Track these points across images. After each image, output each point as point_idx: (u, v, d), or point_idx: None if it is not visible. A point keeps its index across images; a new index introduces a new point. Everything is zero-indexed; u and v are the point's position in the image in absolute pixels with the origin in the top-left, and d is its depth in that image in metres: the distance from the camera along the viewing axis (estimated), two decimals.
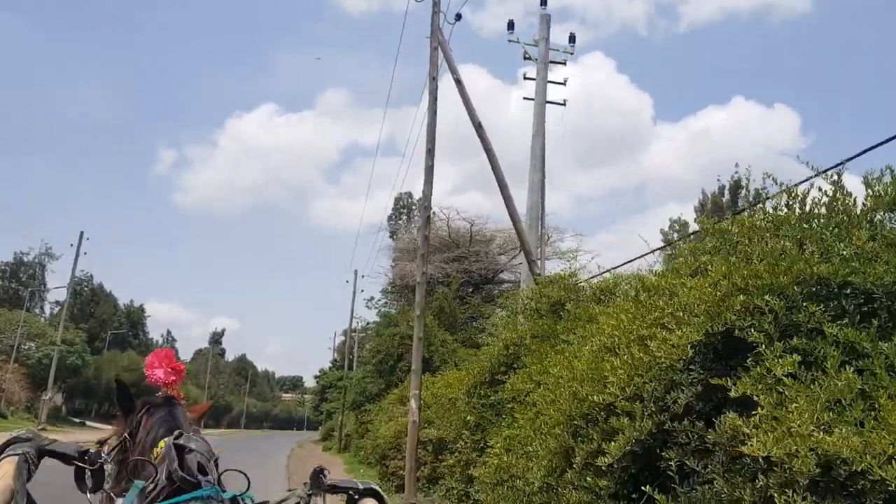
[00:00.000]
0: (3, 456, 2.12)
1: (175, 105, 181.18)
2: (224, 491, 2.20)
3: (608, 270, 11.25)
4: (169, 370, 2.68)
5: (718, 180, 48.23)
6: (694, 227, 49.23)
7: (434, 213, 36.60)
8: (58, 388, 53.43)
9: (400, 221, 58.09)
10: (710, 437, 4.62)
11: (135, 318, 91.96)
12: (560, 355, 7.54)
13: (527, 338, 10.57)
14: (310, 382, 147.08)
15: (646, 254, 11.60)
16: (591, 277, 11.22)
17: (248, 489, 2.27)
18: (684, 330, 4.86)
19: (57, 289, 48.43)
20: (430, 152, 13.17)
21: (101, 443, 2.56)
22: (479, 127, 12.90)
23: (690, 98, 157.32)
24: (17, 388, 44.31)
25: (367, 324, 36.10)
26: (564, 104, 15.52)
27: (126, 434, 2.49)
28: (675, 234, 49.87)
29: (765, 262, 5.09)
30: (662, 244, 45.81)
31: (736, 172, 49.04)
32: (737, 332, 4.78)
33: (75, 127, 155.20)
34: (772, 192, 6.09)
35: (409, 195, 59.35)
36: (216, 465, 2.31)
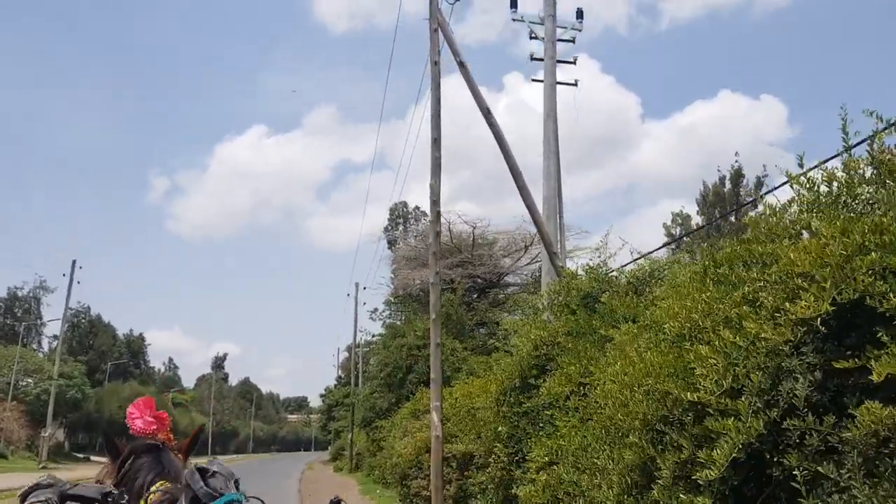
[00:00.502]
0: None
1: (164, 132, 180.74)
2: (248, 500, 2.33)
3: (642, 256, 10.22)
4: (149, 419, 2.71)
5: (719, 170, 47.33)
6: (697, 219, 48.01)
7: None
8: (59, 424, 52.17)
9: (396, 232, 57.14)
10: (845, 434, 3.60)
11: (135, 347, 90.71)
12: (617, 350, 6.46)
13: (559, 336, 9.52)
14: (315, 402, 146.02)
15: (665, 244, 10.73)
16: (624, 266, 10.18)
17: None
18: (802, 302, 3.82)
19: (52, 321, 47.18)
20: (437, 142, 12.15)
21: (98, 483, 2.59)
22: (487, 113, 11.89)
23: (677, 94, 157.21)
24: (16, 426, 43.09)
25: (373, 336, 35.07)
26: (576, 84, 14.53)
27: (116, 479, 2.56)
28: (679, 229, 48.89)
29: (891, 214, 4.06)
30: (666, 239, 44.23)
31: (736, 161, 48.15)
32: (868, 300, 3.75)
33: (66, 159, 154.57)
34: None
35: (404, 204, 58.47)
36: (237, 486, 2.39)
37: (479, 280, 34.31)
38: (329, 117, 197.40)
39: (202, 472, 2.34)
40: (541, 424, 8.92)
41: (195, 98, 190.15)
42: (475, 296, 32.98)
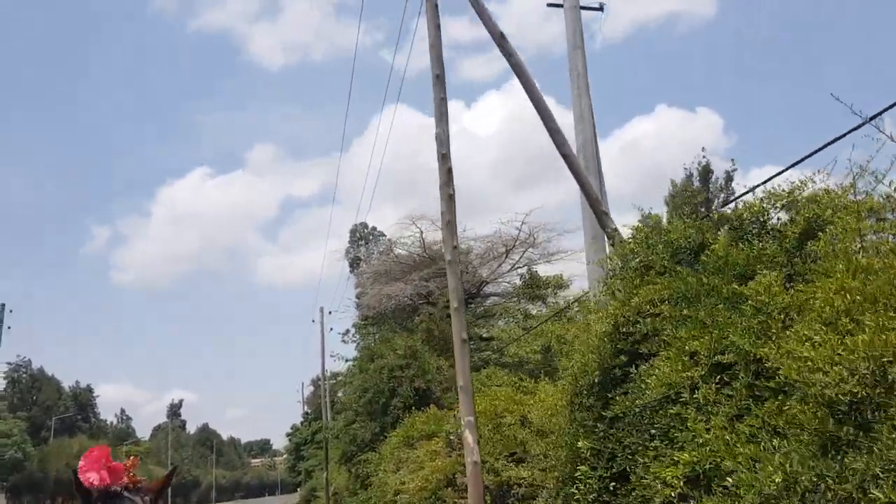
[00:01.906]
0: None
1: (102, 179, 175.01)
2: None
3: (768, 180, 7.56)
4: (104, 472, 2.58)
5: (685, 168, 45.91)
6: (666, 220, 46.42)
7: (398, 233, 32.77)
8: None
9: (359, 254, 54.13)
10: None
11: (83, 400, 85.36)
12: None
13: (654, 304, 6.74)
14: (278, 443, 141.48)
15: None
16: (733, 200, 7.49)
17: None
18: None
19: None
20: (440, 79, 9.42)
21: None
22: (501, 38, 9.19)
23: (616, 112, 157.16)
24: None
25: (346, 361, 31.86)
26: (601, 9, 11.93)
27: None
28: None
29: None
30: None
31: (704, 157, 46.72)
32: None
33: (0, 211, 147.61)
34: None
35: (364, 225, 55.50)
36: None
37: (463, 290, 31.40)
38: (270, 155, 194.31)
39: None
40: (652, 431, 6.10)
41: (133, 143, 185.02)
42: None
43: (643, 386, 6.31)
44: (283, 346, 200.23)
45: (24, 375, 74.77)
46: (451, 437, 12.92)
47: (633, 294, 7.28)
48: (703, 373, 5.75)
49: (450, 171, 9.45)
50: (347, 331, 36.99)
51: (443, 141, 9.45)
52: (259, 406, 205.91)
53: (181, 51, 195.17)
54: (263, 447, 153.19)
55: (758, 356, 5.43)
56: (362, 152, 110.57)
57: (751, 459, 4.90)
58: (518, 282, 29.69)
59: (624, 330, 7.03)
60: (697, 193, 45.35)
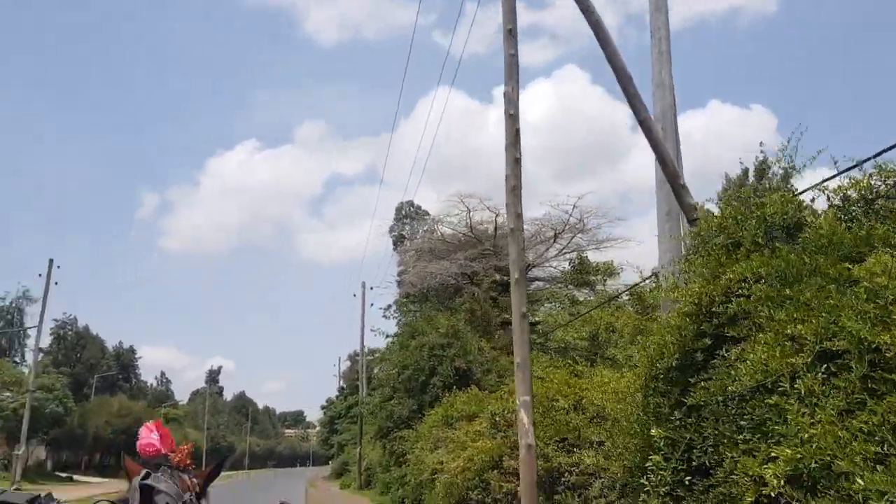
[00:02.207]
0: None
1: (155, 148, 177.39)
2: None
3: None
4: (156, 437, 2.75)
5: (741, 163, 44.43)
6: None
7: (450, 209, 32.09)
8: (39, 441, 48.28)
9: (403, 232, 53.66)
10: None
11: (125, 360, 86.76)
12: None
13: (750, 284, 6.05)
14: (312, 416, 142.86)
15: None
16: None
17: None
18: None
19: (32, 328, 43.30)
20: (512, 34, 8.81)
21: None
22: None
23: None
24: None
25: (387, 337, 31.49)
26: None
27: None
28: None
29: None
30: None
31: (762, 152, 45.17)
32: None
33: (56, 177, 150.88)
34: None
35: (410, 203, 54.99)
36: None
37: (504, 275, 30.76)
38: (319, 132, 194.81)
39: (146, 489, 2.30)
40: (741, 423, 5.44)
41: (186, 114, 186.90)
42: (499, 291, 29.42)
43: (733, 372, 5.66)
44: (322, 322, 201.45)
45: (70, 333, 76.11)
46: (497, 419, 12.37)
47: (719, 272, 6.60)
48: (808, 360, 5.09)
49: (517, 132, 8.82)
50: (389, 306, 36.58)
51: (511, 100, 8.81)
52: (295, 378, 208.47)
53: (239, 23, 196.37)
54: (297, 418, 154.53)
55: (875, 345, 4.75)
56: (409, 134, 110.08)
57: (871, 461, 4.25)
58: (566, 266, 28.93)
59: (709, 311, 6.37)
60: (753, 190, 43.90)
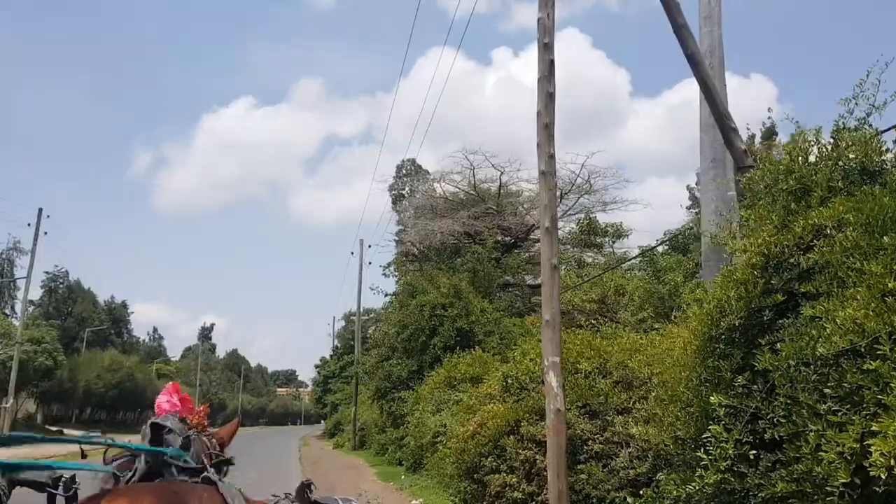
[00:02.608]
0: None
1: (149, 104, 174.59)
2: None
3: None
4: (174, 401, 2.77)
5: (748, 129, 43.58)
6: None
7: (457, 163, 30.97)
8: (29, 394, 47.67)
9: (403, 191, 52.67)
10: None
11: (117, 314, 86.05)
12: None
13: (831, 233, 5.24)
14: (304, 376, 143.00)
15: None
16: None
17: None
18: None
19: (20, 279, 42.35)
20: None
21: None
22: None
23: (667, 72, 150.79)
24: None
25: (386, 296, 30.71)
26: None
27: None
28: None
29: None
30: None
31: (769, 118, 44.34)
32: None
33: (48, 129, 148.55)
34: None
35: (412, 161, 53.92)
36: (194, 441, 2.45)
37: (507, 235, 29.94)
38: (315, 90, 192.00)
39: (157, 427, 2.38)
40: (826, 391, 4.67)
41: (181, 69, 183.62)
42: (501, 253, 28.63)
43: (814, 332, 4.87)
44: (317, 281, 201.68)
45: (62, 286, 75.25)
46: (509, 381, 11.62)
47: (789, 221, 5.77)
48: None
49: (552, 63, 7.91)
50: (389, 264, 35.79)
51: (547, 28, 7.90)
52: (288, 338, 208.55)
53: None
54: (289, 377, 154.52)
55: None
56: (407, 94, 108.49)
57: None
58: (573, 227, 28.12)
59: (779, 263, 5.56)
60: (760, 155, 42.93)
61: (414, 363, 23.29)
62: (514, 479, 9.06)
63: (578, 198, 29.54)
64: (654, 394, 6.84)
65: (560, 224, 30.46)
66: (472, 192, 30.40)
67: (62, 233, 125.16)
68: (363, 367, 32.53)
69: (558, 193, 29.17)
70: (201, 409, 2.79)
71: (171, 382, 2.99)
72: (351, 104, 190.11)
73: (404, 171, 54.38)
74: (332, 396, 55.85)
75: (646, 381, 8.36)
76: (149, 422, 2.43)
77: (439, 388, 18.29)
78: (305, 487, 2.65)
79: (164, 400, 2.75)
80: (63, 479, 2.26)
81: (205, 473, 2.23)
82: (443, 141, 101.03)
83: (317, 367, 68.42)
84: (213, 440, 2.61)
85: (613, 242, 23.71)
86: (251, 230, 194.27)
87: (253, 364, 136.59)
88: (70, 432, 47.27)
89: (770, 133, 43.20)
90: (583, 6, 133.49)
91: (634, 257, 19.68)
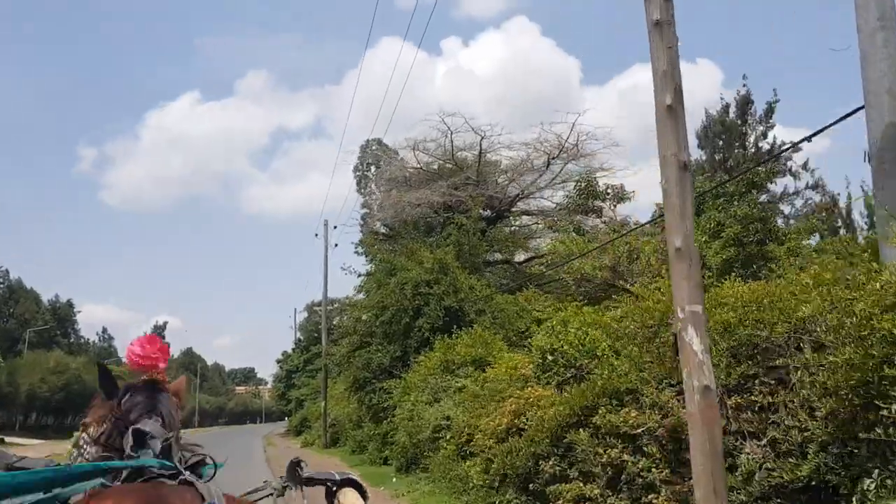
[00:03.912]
0: None
1: (91, 101, 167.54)
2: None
3: None
4: (151, 351, 2.57)
5: (722, 99, 41.74)
6: (697, 154, 42.35)
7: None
8: None
9: (368, 173, 49.55)
10: None
11: (62, 314, 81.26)
12: None
13: None
14: (264, 373, 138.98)
15: None
16: None
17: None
18: None
19: None
20: None
21: (85, 426, 2.52)
22: None
23: (616, 58, 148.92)
24: None
25: (359, 276, 27.82)
26: None
27: (111, 417, 2.47)
28: None
29: None
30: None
31: (744, 85, 42.49)
32: None
33: None
34: None
35: (378, 141, 50.75)
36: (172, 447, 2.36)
37: (489, 208, 27.20)
38: (263, 82, 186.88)
39: (139, 434, 2.28)
40: None
41: (122, 64, 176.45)
42: (485, 226, 25.90)
43: None
44: (274, 276, 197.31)
45: (2, 285, 70.62)
46: (548, 357, 8.98)
47: None
48: None
49: None
50: (361, 241, 32.84)
51: None
52: (246, 335, 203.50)
53: None
54: (248, 375, 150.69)
55: None
56: (358, 86, 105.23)
57: None
58: (563, 196, 25.60)
59: None
60: (734, 125, 41.15)
61: (397, 348, 20.52)
62: (595, 491, 6.38)
63: (565, 164, 26.99)
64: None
65: (548, 192, 27.91)
66: (449, 161, 27.61)
67: (8, 231, 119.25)
68: (333, 358, 29.51)
69: (545, 159, 26.64)
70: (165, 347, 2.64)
71: (146, 334, 2.74)
72: (299, 97, 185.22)
73: (369, 151, 51.23)
74: (296, 392, 52.67)
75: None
76: (131, 428, 2.26)
77: (434, 373, 15.61)
78: (296, 465, 2.44)
79: (138, 350, 2.54)
80: (26, 459, 2.21)
81: (181, 476, 2.14)
82: (396, 131, 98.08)
83: (278, 361, 64.93)
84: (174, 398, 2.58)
85: (614, 206, 21.26)
86: (203, 226, 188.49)
87: (210, 363, 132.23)
88: (14, 440, 43.44)
89: (746, 102, 41.28)
90: None
91: (660, 216, 17.18)
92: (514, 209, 28.50)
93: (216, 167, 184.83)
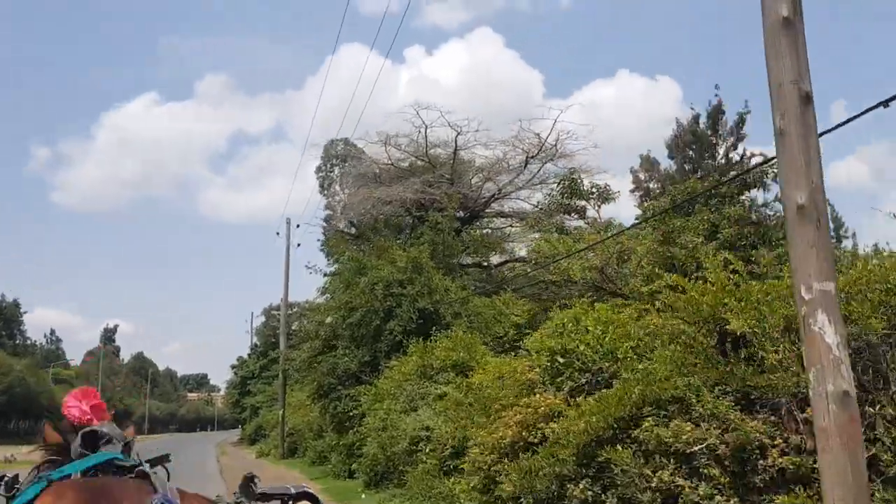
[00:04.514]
0: None
1: (45, 100, 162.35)
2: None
3: None
4: (85, 408, 2.45)
5: (692, 109, 41.27)
6: (667, 163, 41.72)
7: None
8: None
9: (332, 173, 47.89)
10: None
11: (8, 314, 77.92)
12: None
13: None
14: (217, 379, 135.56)
15: None
16: None
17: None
18: None
19: None
20: None
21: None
22: None
23: (578, 73, 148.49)
24: None
25: (325, 275, 26.25)
26: None
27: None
28: (645, 174, 42.67)
29: None
30: (633, 185, 36.68)
31: (716, 95, 42.09)
32: None
33: None
34: None
35: (345, 141, 49.13)
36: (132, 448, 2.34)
37: (471, 202, 25.92)
38: (221, 86, 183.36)
39: (93, 436, 2.22)
40: None
41: (80, 64, 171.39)
42: (458, 225, 24.63)
43: None
44: (229, 282, 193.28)
45: None
46: (558, 360, 7.72)
47: None
48: None
49: None
50: (326, 241, 31.29)
51: None
52: (199, 341, 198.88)
53: None
54: (201, 381, 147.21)
55: None
56: (317, 90, 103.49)
57: None
58: (541, 197, 24.49)
59: None
60: (704, 135, 40.63)
61: (366, 353, 19.10)
62: None
63: (543, 165, 25.92)
64: None
65: (525, 193, 26.75)
66: (422, 157, 26.30)
67: None
68: (293, 363, 27.88)
69: (523, 157, 25.52)
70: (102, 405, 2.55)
71: (83, 387, 2.67)
72: (259, 101, 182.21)
73: (334, 153, 49.57)
74: (251, 399, 50.62)
75: None
76: (80, 432, 2.22)
77: (410, 379, 14.25)
78: (249, 481, 2.37)
79: (74, 405, 2.41)
80: (6, 478, 2.21)
81: (139, 468, 2.08)
82: (361, 136, 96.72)
83: (233, 367, 62.56)
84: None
85: (599, 206, 20.18)
86: (159, 230, 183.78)
87: (161, 368, 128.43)
88: None
89: (718, 111, 40.68)
90: (494, 5, 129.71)
91: (654, 215, 16.15)
92: (488, 210, 27.32)
93: (173, 170, 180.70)
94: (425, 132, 25.12)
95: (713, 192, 17.12)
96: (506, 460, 7.16)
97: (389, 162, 26.82)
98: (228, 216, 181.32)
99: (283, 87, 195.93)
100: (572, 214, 20.58)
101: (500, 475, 7.17)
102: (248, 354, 59.48)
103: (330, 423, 20.92)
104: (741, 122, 39.23)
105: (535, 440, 6.98)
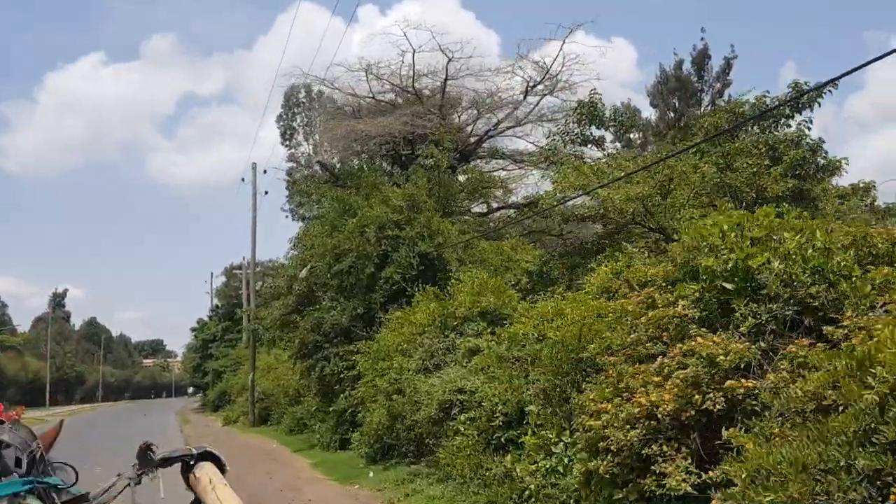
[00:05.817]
0: None
1: None
2: (40, 481, 2.09)
3: None
4: None
5: (676, 54, 38.88)
6: (648, 112, 38.90)
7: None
8: None
9: (294, 123, 44.38)
10: None
11: None
12: None
13: None
14: (174, 345, 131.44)
15: None
16: None
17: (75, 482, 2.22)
18: None
19: None
20: None
21: None
22: None
23: (534, 34, 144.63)
24: None
25: (304, 219, 23.29)
26: None
27: None
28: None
29: None
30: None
31: (702, 39, 39.63)
32: None
33: None
34: None
35: (308, 87, 45.50)
36: (40, 456, 2.20)
37: (455, 148, 23.14)
38: (169, 46, 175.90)
39: None
40: None
41: (20, 23, 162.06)
42: (455, 163, 21.86)
43: None
44: (181, 246, 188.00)
45: None
46: (725, 287, 5.10)
47: None
48: None
49: None
50: (296, 187, 28.25)
51: None
52: (153, 306, 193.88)
53: None
54: (156, 347, 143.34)
55: None
56: (269, 51, 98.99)
57: None
58: (543, 132, 21.84)
59: None
60: (689, 82, 38.15)
61: (358, 304, 16.37)
62: None
63: (543, 97, 23.24)
64: None
65: (523, 131, 24.00)
66: (408, 89, 23.37)
67: None
68: (263, 322, 24.98)
69: (524, 88, 22.75)
70: (14, 413, 2.47)
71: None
72: (208, 62, 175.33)
73: (295, 101, 45.94)
74: (214, 363, 47.54)
75: None
76: None
77: (430, 332, 11.60)
78: (146, 449, 2.27)
79: None
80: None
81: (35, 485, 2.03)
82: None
83: (193, 330, 59.14)
84: (37, 443, 2.27)
85: (624, 133, 17.65)
86: (106, 194, 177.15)
87: (115, 334, 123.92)
88: None
89: (703, 56, 38.15)
90: None
91: (706, 139, 13.62)
92: (480, 150, 24.58)
93: (120, 133, 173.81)
94: (413, 58, 22.17)
95: (771, 112, 14.62)
96: (661, 438, 4.61)
97: (370, 94, 23.82)
98: (180, 180, 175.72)
99: (233, 48, 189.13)
100: (589, 146, 17.93)
101: (658, 459, 4.65)
102: (209, 317, 56.23)
103: (315, 387, 18.22)
104: (728, 67, 37.00)
105: (716, 407, 4.45)
